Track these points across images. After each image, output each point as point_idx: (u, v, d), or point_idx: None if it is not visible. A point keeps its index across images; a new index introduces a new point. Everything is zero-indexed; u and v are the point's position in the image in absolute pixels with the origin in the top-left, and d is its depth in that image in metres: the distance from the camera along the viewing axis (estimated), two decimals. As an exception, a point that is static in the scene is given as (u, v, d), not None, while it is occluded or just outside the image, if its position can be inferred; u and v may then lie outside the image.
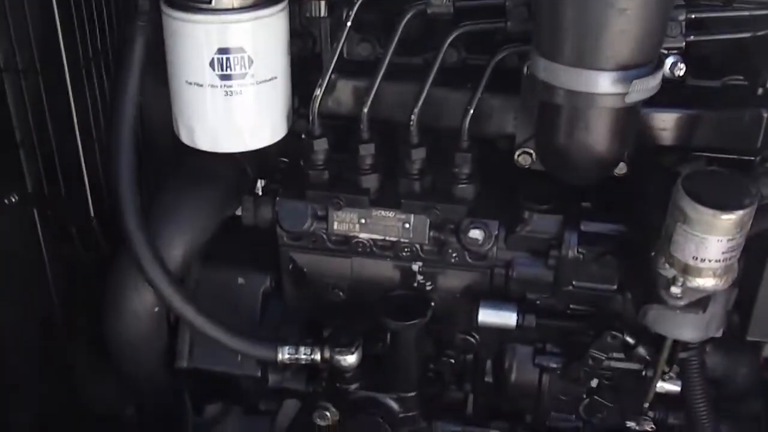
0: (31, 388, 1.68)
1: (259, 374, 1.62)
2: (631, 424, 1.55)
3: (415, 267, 1.50)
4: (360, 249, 1.51)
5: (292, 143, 1.52)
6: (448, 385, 1.68)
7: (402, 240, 1.48)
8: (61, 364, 1.77)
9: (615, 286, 1.45)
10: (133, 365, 1.64)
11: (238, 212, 1.63)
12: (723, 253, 1.18)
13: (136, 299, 1.54)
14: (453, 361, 1.60)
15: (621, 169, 1.42)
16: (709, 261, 1.19)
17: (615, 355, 1.50)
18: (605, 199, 1.46)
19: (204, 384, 1.71)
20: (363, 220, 1.48)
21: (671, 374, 1.47)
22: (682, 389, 1.50)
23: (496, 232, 1.45)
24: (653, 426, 1.56)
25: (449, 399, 1.73)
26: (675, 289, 1.21)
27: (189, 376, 1.67)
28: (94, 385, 1.88)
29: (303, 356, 1.48)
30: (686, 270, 1.21)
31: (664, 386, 1.54)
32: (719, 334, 1.32)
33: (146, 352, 1.61)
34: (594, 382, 1.53)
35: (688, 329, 1.27)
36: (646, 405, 1.54)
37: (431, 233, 1.47)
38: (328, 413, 1.74)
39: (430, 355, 1.62)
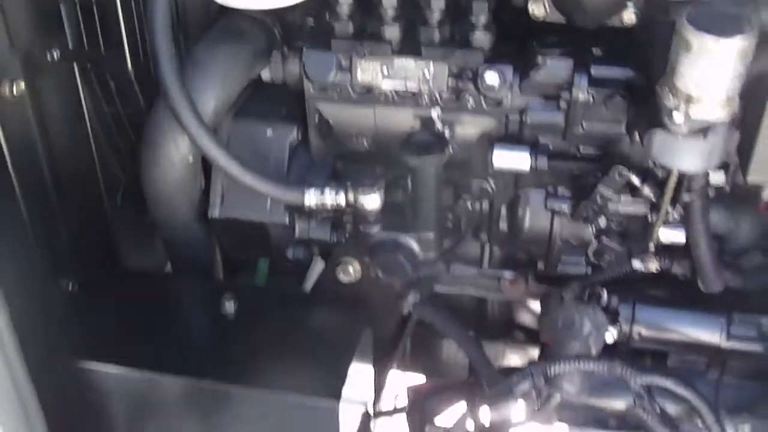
0: (73, 250, 1.77)
1: (287, 221, 1.72)
2: (636, 264, 1.65)
3: (435, 114, 1.59)
4: (382, 99, 1.60)
5: (318, 5, 1.60)
6: (464, 235, 1.77)
7: (422, 88, 1.57)
8: (101, 221, 1.87)
9: (623, 128, 1.54)
10: (170, 215, 1.75)
11: (264, 76, 1.73)
12: (723, 83, 1.26)
13: (173, 148, 1.64)
14: (470, 205, 1.69)
15: (630, 19, 1.49)
16: (710, 91, 1.27)
17: (622, 198, 1.59)
18: (615, 47, 1.54)
19: (235, 238, 1.81)
20: (385, 69, 1.57)
21: (675, 215, 1.56)
22: (686, 237, 1.60)
23: (511, 78, 1.54)
24: (658, 267, 1.65)
25: (466, 250, 1.84)
26: (678, 118, 1.30)
27: (221, 230, 1.78)
28: (132, 244, 1.99)
29: (328, 199, 1.58)
30: (688, 100, 1.29)
31: (668, 236, 1.64)
32: (720, 162, 1.40)
33: (181, 201, 1.72)
34: (602, 222, 1.62)
35: (689, 157, 1.35)
36: (652, 247, 1.63)
37: (450, 80, 1.56)
38: (351, 268, 1.86)
39: (447, 206, 1.71)
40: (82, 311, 1.63)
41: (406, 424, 1.89)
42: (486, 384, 1.59)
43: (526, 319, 2.02)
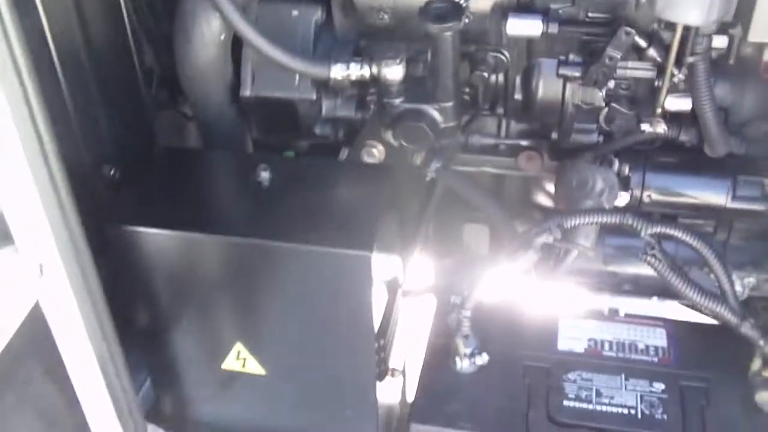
0: (114, 138, 1.85)
1: (314, 97, 1.82)
2: (645, 127, 1.74)
3: (451, -17, 1.67)
4: (400, -29, 1.69)
5: None
6: (482, 107, 1.87)
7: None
8: (139, 110, 1.96)
9: (628, -10, 1.62)
10: (203, 95, 1.85)
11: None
12: None
13: (205, 26, 1.74)
14: (486, 75, 1.78)
15: None
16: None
17: (629, 63, 1.68)
18: None
19: (265, 117, 1.92)
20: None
21: (681, 76, 1.65)
22: (692, 102, 1.69)
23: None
24: (666, 128, 1.75)
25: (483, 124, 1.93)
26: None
27: (252, 109, 1.88)
28: (167, 135, 2.09)
29: (353, 72, 1.68)
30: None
31: (675, 104, 1.73)
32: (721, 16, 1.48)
33: (214, 80, 1.82)
34: (611, 85, 1.72)
35: (693, 10, 1.44)
36: (659, 111, 1.73)
37: (465, -48, 1.64)
38: (375, 150, 1.96)
39: (464, 79, 1.80)
40: (125, 188, 1.74)
41: (434, 300, 2.00)
42: (505, 239, 1.69)
43: (542, 198, 2.11)
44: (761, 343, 1.62)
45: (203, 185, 1.77)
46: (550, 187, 2.00)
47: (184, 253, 1.65)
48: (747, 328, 1.61)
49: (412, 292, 2.06)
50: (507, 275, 1.71)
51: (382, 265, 1.64)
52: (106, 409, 1.53)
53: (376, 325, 1.68)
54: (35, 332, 1.39)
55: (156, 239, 1.63)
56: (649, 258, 1.58)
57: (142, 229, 1.63)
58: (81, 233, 1.37)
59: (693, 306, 1.73)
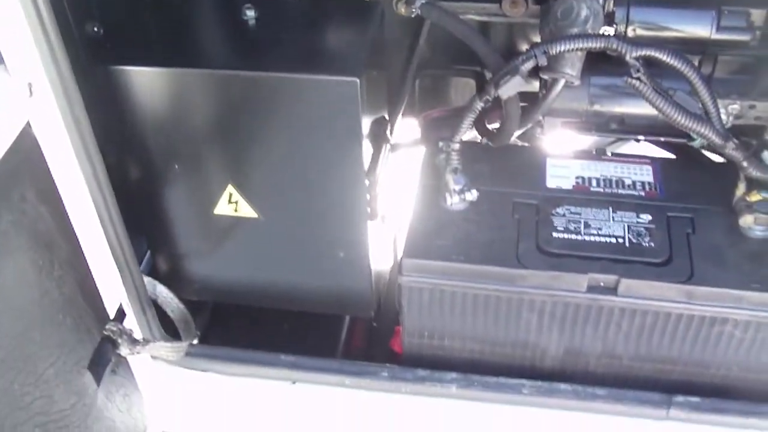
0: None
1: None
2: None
3: None
4: None
5: None
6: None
7: None
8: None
9: None
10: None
11: None
12: None
13: None
14: None
15: None
16: None
17: None
18: None
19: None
20: None
21: None
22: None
23: None
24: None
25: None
26: None
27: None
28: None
29: None
30: None
31: None
32: None
33: None
34: None
35: None
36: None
37: None
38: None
39: None
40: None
41: (423, 149, 2.01)
42: (491, 70, 1.70)
43: (527, 45, 2.11)
44: (744, 164, 1.65)
45: (189, 25, 1.76)
46: (535, 34, 1.99)
47: (172, 91, 1.66)
48: (731, 149, 1.63)
49: (401, 145, 2.08)
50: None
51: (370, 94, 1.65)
52: (97, 235, 1.55)
53: (366, 162, 1.69)
54: (28, 152, 1.40)
55: (144, 78, 1.63)
56: (633, 81, 1.59)
57: (129, 68, 1.62)
58: (65, 57, 1.37)
59: (679, 134, 1.74)
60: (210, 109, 1.66)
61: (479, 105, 1.68)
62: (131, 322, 1.76)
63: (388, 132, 1.87)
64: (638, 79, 1.60)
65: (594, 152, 1.93)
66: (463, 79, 2.22)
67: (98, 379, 1.65)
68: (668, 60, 1.58)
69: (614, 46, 1.59)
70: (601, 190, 1.81)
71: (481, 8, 1.95)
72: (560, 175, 1.85)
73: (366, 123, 1.63)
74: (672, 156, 2.03)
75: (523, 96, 1.75)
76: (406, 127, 2.32)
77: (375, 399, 1.86)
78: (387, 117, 1.92)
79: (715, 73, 1.83)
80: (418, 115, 2.23)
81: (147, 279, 1.88)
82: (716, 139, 1.61)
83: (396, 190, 2.11)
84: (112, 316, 1.70)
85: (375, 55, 1.70)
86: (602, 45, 1.60)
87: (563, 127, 1.94)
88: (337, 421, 1.94)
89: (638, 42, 1.60)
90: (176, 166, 1.75)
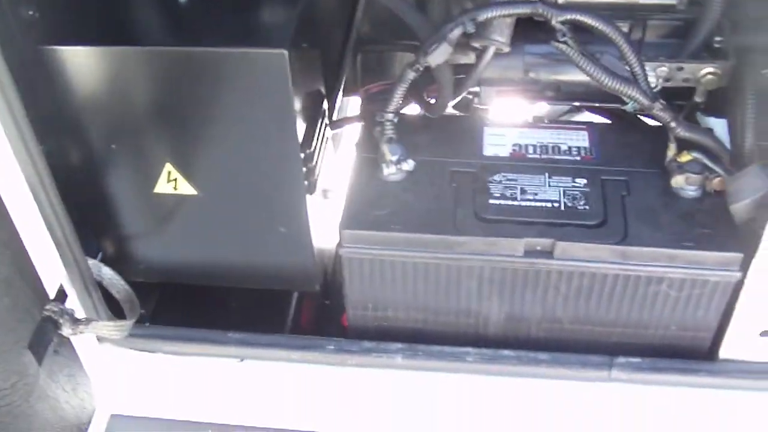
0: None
1: None
2: None
3: None
4: None
5: None
6: None
7: None
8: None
9: None
10: None
11: None
12: None
13: None
14: None
15: None
16: None
17: None
18: None
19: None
20: None
21: None
22: None
23: None
24: None
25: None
26: None
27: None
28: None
29: None
30: None
31: None
32: None
33: None
34: None
35: None
36: None
37: None
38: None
39: None
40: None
41: (362, 125, 2.02)
42: (421, 39, 1.71)
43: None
44: (672, 124, 1.66)
45: (124, 5, 1.76)
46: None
47: (105, 70, 1.65)
48: (658, 110, 1.65)
49: (342, 120, 2.09)
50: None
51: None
52: (34, 217, 1.55)
53: (301, 135, 1.70)
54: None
55: (77, 57, 1.63)
56: (560, 45, 1.61)
57: (62, 48, 1.62)
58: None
59: (614, 100, 1.76)
60: (144, 87, 1.66)
61: (410, 75, 1.69)
62: (74, 303, 1.76)
63: (324, 106, 1.87)
64: (564, 43, 1.60)
65: (531, 119, 1.94)
66: (408, 54, 2.22)
67: (39, 358, 1.65)
68: (593, 23, 1.60)
69: (540, 11, 1.60)
70: (538, 156, 1.83)
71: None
72: (497, 143, 1.86)
73: (298, 96, 1.63)
74: (608, 121, 2.05)
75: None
76: (351, 104, 2.33)
77: (323, 372, 1.86)
78: (324, 92, 1.92)
79: (645, 37, 1.84)
80: (361, 90, 2.23)
81: (92, 261, 1.88)
82: (643, 101, 1.63)
83: (340, 165, 2.11)
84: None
85: (306, 29, 1.70)
86: (528, 11, 1.61)
87: (499, 96, 1.95)
88: (287, 397, 1.95)
89: (564, 7, 1.61)
90: (113, 147, 1.74)
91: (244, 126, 1.68)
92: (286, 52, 1.55)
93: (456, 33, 1.64)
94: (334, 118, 2.17)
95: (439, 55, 1.65)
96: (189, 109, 1.68)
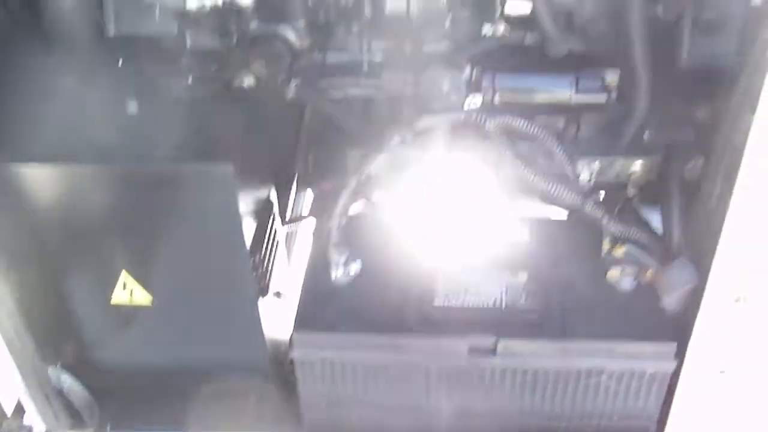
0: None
1: (176, 31, 1.89)
2: (487, 29, 1.84)
3: None
4: None
5: None
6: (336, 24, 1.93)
7: None
8: None
9: None
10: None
11: None
12: None
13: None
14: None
15: None
16: None
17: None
18: None
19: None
20: None
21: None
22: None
23: None
24: (506, 32, 1.85)
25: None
26: None
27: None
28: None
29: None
30: None
31: (517, 8, 1.81)
32: None
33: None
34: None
35: None
36: (499, 12, 1.82)
37: None
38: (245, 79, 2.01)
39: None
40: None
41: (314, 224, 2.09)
42: (364, 147, 1.78)
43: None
44: (604, 221, 1.73)
45: (75, 119, 1.82)
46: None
47: (55, 186, 1.71)
48: (590, 207, 1.72)
49: (293, 218, 2.15)
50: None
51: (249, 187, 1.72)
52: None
53: (249, 241, 1.76)
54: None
55: (29, 174, 1.68)
56: (495, 148, 1.68)
57: (12, 164, 1.67)
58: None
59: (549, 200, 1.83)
60: (97, 201, 1.71)
61: (354, 182, 1.76)
62: (33, 415, 1.79)
63: (275, 209, 1.93)
64: (500, 146, 1.68)
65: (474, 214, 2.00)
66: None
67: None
68: (523, 127, 1.68)
69: (474, 118, 1.68)
70: (481, 253, 1.88)
71: (361, 83, 2.02)
72: (443, 241, 1.91)
73: (246, 204, 1.70)
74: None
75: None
76: (306, 200, 2.39)
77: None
78: (275, 192, 1.98)
79: (579, 132, 1.92)
80: (314, 186, 2.29)
81: (51, 369, 1.91)
82: (574, 199, 1.70)
83: (294, 264, 2.17)
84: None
85: (254, 137, 1.77)
86: (464, 118, 1.69)
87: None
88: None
89: (495, 113, 1.69)
90: (69, 258, 1.79)
91: (194, 235, 1.74)
92: (231, 167, 1.61)
93: (395, 141, 1.70)
94: (289, 214, 2.23)
95: (380, 165, 1.71)
96: (140, 221, 1.73)
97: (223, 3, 1.76)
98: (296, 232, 2.32)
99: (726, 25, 1.78)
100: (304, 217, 2.21)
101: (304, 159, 2.24)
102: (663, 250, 1.75)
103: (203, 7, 1.74)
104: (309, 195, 2.34)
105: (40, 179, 1.68)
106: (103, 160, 1.68)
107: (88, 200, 1.72)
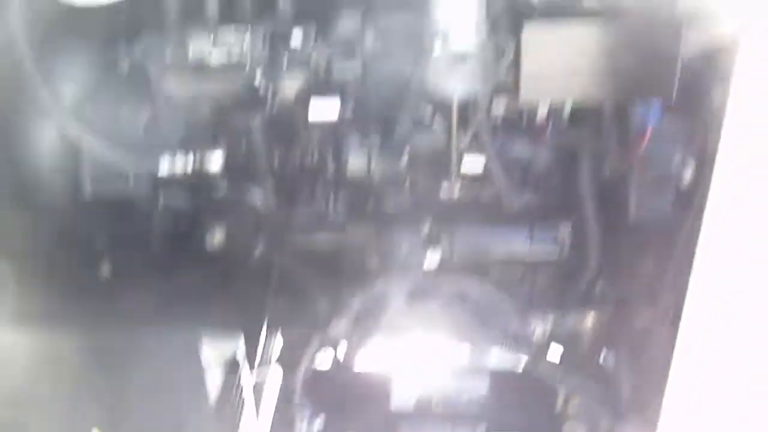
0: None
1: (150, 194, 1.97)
2: (444, 188, 1.93)
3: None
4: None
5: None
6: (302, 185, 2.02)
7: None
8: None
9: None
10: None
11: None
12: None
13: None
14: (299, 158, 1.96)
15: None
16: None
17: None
18: None
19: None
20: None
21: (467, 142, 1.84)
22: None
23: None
24: (462, 192, 1.94)
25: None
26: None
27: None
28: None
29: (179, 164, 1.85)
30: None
31: (471, 168, 1.90)
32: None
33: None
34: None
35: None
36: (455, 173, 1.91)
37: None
38: (216, 235, 2.09)
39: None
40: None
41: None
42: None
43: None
44: (557, 380, 1.79)
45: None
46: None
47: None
48: (543, 367, 1.77)
49: (261, 367, 2.20)
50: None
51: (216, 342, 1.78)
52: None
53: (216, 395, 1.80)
54: None
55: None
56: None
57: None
58: None
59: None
60: (70, 366, 1.76)
61: (315, 348, 1.82)
62: None
63: (241, 363, 1.98)
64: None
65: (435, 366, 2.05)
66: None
67: None
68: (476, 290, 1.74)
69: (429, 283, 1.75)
70: (441, 408, 1.92)
71: (333, 239, 2.07)
72: (403, 395, 1.96)
73: (212, 359, 1.74)
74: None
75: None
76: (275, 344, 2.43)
77: None
78: (244, 341, 2.03)
79: (537, 283, 1.98)
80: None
81: None
82: (528, 359, 1.76)
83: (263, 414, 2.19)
84: None
85: (222, 293, 1.83)
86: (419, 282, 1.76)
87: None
88: None
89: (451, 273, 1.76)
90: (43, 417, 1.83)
91: (160, 393, 1.78)
92: (200, 336, 1.67)
93: (356, 305, 1.77)
94: (258, 360, 2.27)
95: (339, 329, 1.78)
96: (110, 382, 1.77)
97: (193, 169, 1.81)
98: (264, 381, 2.35)
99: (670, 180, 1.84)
100: (271, 368, 2.25)
101: (273, 306, 2.29)
102: (616, 403, 1.79)
103: (174, 174, 1.81)
104: (279, 340, 2.37)
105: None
106: (77, 322, 1.73)
107: (56, 364, 1.76)
